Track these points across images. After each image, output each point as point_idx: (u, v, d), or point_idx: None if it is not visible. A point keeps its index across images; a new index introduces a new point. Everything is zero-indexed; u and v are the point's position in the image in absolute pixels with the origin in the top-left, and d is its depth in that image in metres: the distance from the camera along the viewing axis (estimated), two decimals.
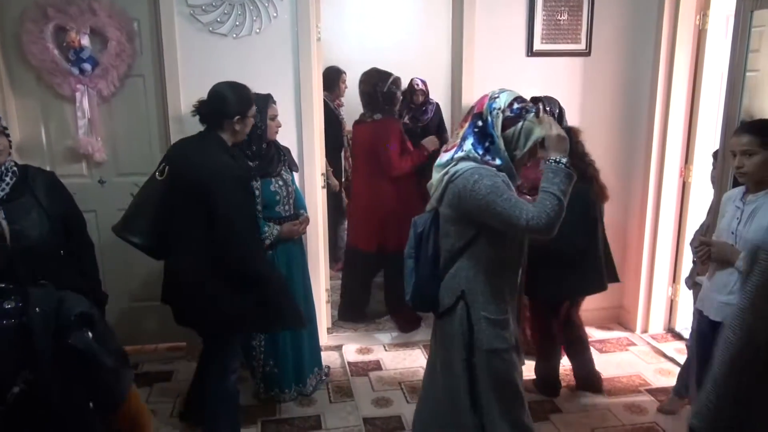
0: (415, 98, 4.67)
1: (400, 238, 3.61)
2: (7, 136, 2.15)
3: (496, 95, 1.92)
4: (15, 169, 2.16)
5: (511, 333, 2.00)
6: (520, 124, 1.89)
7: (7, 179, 2.10)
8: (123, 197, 3.41)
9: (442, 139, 4.69)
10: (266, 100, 2.81)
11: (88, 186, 3.34)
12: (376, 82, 3.71)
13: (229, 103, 2.39)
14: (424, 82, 4.67)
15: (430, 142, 3.87)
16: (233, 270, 2.32)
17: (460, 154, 1.92)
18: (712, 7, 3.39)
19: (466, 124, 1.96)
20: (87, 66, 3.19)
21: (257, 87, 2.94)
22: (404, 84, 4.17)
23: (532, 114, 1.89)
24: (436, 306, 2.05)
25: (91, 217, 3.03)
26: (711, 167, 2.93)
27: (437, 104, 4.78)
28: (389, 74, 3.76)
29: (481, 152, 1.89)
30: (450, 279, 2.00)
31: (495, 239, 1.92)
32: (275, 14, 3.25)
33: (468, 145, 1.91)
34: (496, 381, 1.98)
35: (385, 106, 3.75)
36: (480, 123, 1.92)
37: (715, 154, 2.89)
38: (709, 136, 3.52)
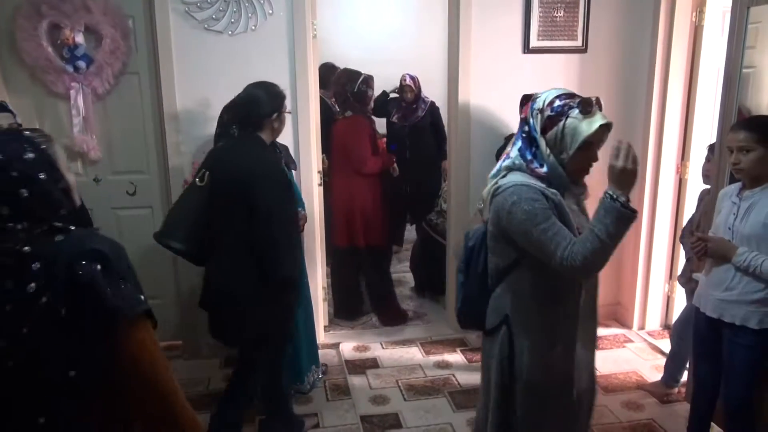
0: (405, 95, 4.63)
1: (369, 235, 3.88)
2: None
3: (539, 95, 1.75)
4: None
5: (565, 371, 1.79)
6: (561, 122, 1.68)
7: None
8: (118, 195, 3.42)
9: (439, 141, 4.68)
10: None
11: (83, 184, 3.31)
12: (345, 83, 3.80)
13: (264, 103, 2.40)
14: (413, 78, 4.61)
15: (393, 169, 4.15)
16: (270, 271, 2.30)
17: (507, 162, 1.77)
18: (708, 4, 3.39)
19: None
20: (81, 63, 3.17)
21: None
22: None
23: (577, 110, 1.66)
24: (482, 324, 1.90)
25: None
26: (704, 160, 2.93)
27: (432, 103, 4.73)
28: (359, 74, 3.81)
29: (529, 158, 1.73)
30: (496, 299, 1.84)
31: (537, 266, 1.72)
32: (271, 11, 3.24)
33: (515, 151, 1.76)
34: (529, 417, 1.81)
35: (356, 105, 3.80)
36: (526, 127, 1.76)
37: (711, 147, 2.89)
38: (706, 133, 3.52)
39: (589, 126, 1.65)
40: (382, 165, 3.88)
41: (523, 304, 1.78)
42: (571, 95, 1.72)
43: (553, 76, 3.58)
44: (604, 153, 1.74)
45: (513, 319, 1.79)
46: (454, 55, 3.55)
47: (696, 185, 3.56)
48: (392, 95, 4.80)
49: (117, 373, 1.20)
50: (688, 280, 2.86)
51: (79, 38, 3.15)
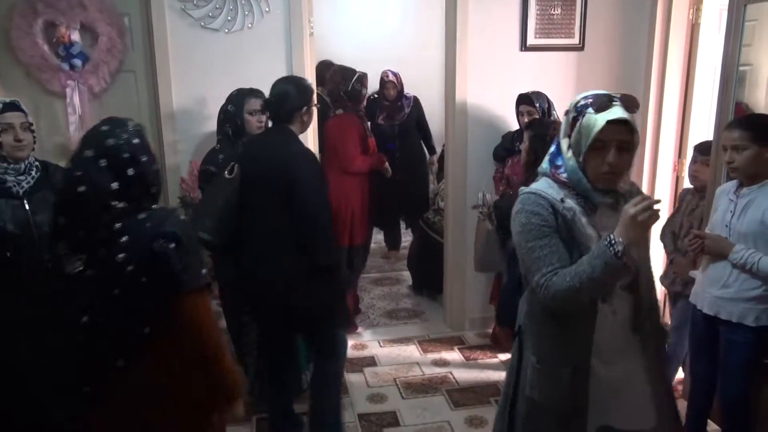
0: (387, 93, 4.49)
1: (352, 234, 3.77)
2: (33, 132, 2.23)
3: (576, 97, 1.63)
4: (38, 164, 2.26)
5: (575, 396, 1.62)
6: (579, 122, 1.56)
7: (33, 173, 2.20)
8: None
9: (426, 138, 4.64)
10: (243, 96, 2.84)
11: None
12: (339, 81, 3.74)
13: (294, 97, 2.46)
14: (396, 75, 4.51)
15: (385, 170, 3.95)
16: (313, 258, 2.37)
17: (540, 167, 1.68)
18: (704, 1, 3.39)
19: None
20: (77, 62, 3.16)
21: (249, 82, 2.94)
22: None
23: (592, 108, 1.54)
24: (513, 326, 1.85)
25: None
26: (691, 161, 2.89)
27: (415, 98, 4.65)
28: (353, 73, 3.76)
29: (558, 163, 1.62)
30: (521, 304, 1.78)
31: None
32: (267, 9, 3.23)
33: (547, 156, 1.67)
34: None
35: (349, 104, 3.75)
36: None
37: (697, 147, 2.88)
38: (703, 131, 3.52)
39: (598, 122, 1.52)
40: (370, 165, 3.80)
41: (536, 315, 1.69)
42: (601, 95, 1.58)
43: (550, 74, 3.59)
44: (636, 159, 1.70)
45: (525, 329, 1.73)
46: (451, 53, 3.55)
47: None
48: (373, 95, 4.65)
49: (177, 329, 1.49)
50: (672, 282, 2.85)
51: (75, 36, 3.14)
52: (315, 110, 2.61)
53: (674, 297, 2.91)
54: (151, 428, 1.52)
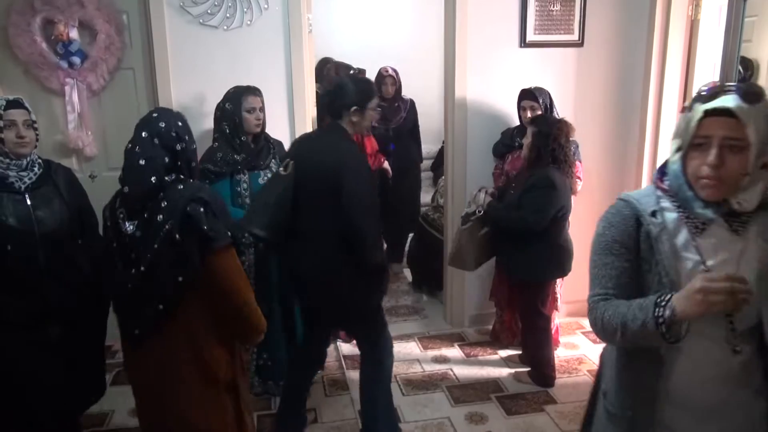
0: (385, 89, 4.25)
1: None
2: (35, 129, 2.26)
3: None
4: (40, 161, 2.30)
5: None
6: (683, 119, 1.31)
7: (35, 169, 2.25)
8: (114, 192, 3.39)
9: (418, 143, 4.47)
10: (241, 93, 2.82)
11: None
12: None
13: (347, 94, 2.42)
14: (395, 71, 4.31)
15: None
16: (359, 258, 2.39)
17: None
18: None
19: None
20: (76, 59, 3.15)
21: (248, 80, 2.94)
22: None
23: (700, 98, 1.28)
24: None
25: None
26: None
27: (411, 101, 4.46)
28: (349, 69, 3.74)
29: (666, 169, 1.38)
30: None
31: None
32: (266, 6, 3.22)
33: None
34: None
35: None
36: None
37: None
38: None
39: (696, 113, 1.26)
40: None
41: (609, 345, 1.48)
42: (717, 83, 1.32)
43: (549, 71, 3.58)
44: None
45: (605, 350, 1.54)
46: (451, 50, 3.54)
47: None
48: None
49: (207, 280, 1.74)
50: None
51: (73, 34, 3.14)
52: (370, 115, 2.53)
53: None
54: (185, 363, 1.82)
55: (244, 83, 2.89)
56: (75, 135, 3.23)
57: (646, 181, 3.70)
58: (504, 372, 3.34)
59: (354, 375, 3.30)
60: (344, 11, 5.84)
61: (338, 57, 4.76)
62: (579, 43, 3.61)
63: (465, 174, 3.65)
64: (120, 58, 3.23)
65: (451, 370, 3.37)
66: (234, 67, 3.22)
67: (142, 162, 1.78)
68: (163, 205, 1.74)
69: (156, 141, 1.80)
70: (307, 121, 3.41)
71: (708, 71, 3.47)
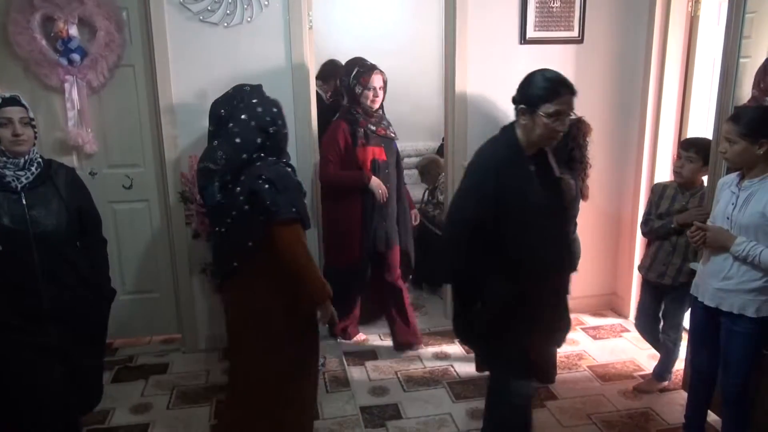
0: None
1: (338, 254, 3.37)
2: (34, 127, 2.23)
3: None
4: (40, 160, 2.26)
5: None
6: None
7: (33, 168, 2.21)
8: (114, 189, 3.40)
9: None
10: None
11: None
12: (343, 75, 3.31)
13: (527, 87, 2.06)
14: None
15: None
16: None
17: None
18: None
19: None
20: (75, 56, 3.14)
21: (249, 77, 2.92)
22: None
23: None
24: None
25: None
26: (675, 157, 2.90)
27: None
28: (353, 67, 3.29)
29: None
30: None
31: None
32: (266, 2, 3.21)
33: None
34: None
35: (344, 100, 3.36)
36: None
37: (681, 143, 2.88)
38: (702, 123, 3.53)
39: None
40: (341, 180, 3.23)
41: None
42: None
43: (549, 67, 3.56)
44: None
45: None
46: (451, 46, 3.54)
47: None
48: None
49: (273, 248, 2.05)
50: (661, 275, 2.88)
51: (73, 31, 3.12)
52: (543, 123, 2.02)
53: (663, 289, 2.92)
54: (247, 311, 2.19)
55: (245, 81, 2.88)
56: (75, 132, 3.22)
57: (645, 177, 3.71)
58: None
59: (355, 372, 3.32)
60: (343, 7, 5.82)
61: (337, 53, 4.75)
62: (579, 40, 3.62)
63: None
64: (120, 55, 3.21)
65: (452, 366, 3.38)
66: (234, 64, 3.21)
67: (237, 140, 2.09)
68: (242, 179, 2.09)
69: (252, 123, 2.11)
70: (311, 119, 3.40)
71: (707, 68, 3.48)
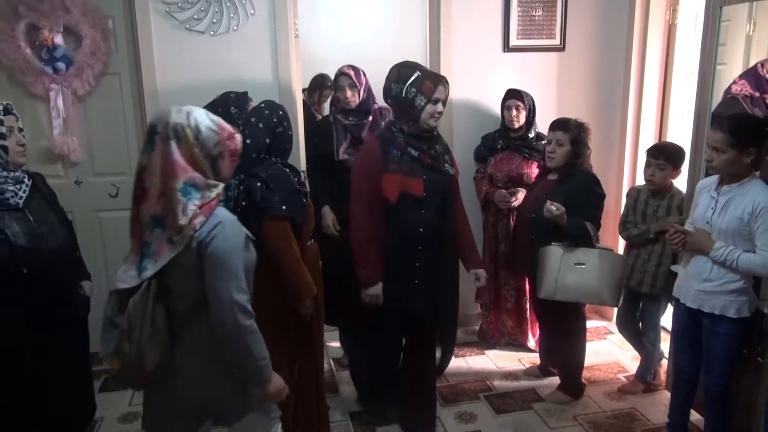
0: (341, 94, 3.01)
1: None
2: (22, 137, 2.15)
3: None
4: (26, 173, 2.18)
5: None
6: None
7: (26, 181, 2.13)
8: (100, 197, 3.39)
9: None
10: (245, 100, 2.81)
11: (64, 186, 3.27)
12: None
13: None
14: (357, 70, 3.11)
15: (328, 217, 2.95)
16: None
17: None
18: (681, 3, 3.49)
19: None
20: (61, 65, 3.13)
21: (236, 85, 2.96)
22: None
23: None
24: None
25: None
26: (645, 165, 2.93)
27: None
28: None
29: None
30: None
31: None
32: (252, 11, 3.23)
33: None
34: None
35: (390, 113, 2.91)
36: None
37: (649, 151, 2.93)
38: (680, 129, 3.61)
39: None
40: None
41: None
42: None
43: (532, 74, 3.65)
44: None
45: None
46: (435, 54, 3.59)
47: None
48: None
49: (263, 242, 2.07)
50: (639, 283, 2.95)
51: (58, 39, 3.11)
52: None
53: (641, 294, 2.99)
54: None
55: (231, 89, 2.90)
56: (60, 141, 3.21)
57: (626, 182, 3.78)
58: (492, 371, 3.39)
59: (344, 376, 3.32)
60: (326, 15, 5.84)
61: (321, 63, 4.77)
62: (560, 48, 3.69)
63: None
64: (106, 64, 3.21)
65: None
66: (221, 73, 3.22)
67: (247, 141, 2.18)
68: (241, 177, 2.20)
69: (261, 125, 2.24)
70: (298, 129, 3.41)
71: (685, 74, 3.56)
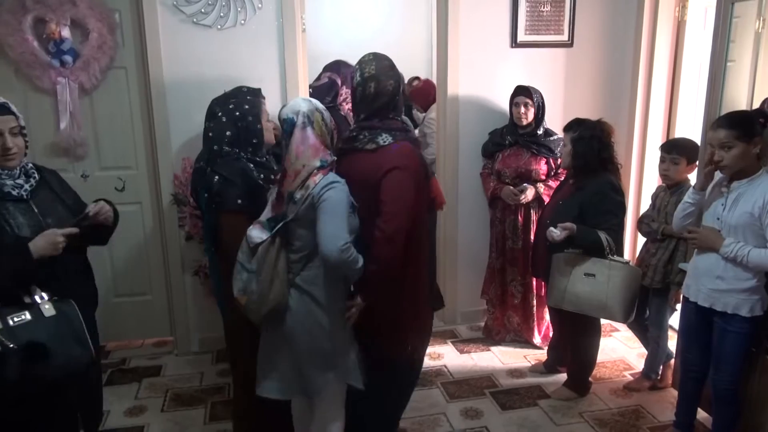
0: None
1: None
2: (24, 136, 2.08)
3: None
4: (34, 169, 2.13)
5: None
6: None
7: (35, 174, 2.09)
8: (107, 191, 3.38)
9: None
10: (258, 96, 2.77)
11: (70, 180, 3.11)
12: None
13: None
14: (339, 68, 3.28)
15: None
16: None
17: None
18: None
19: None
20: (68, 58, 3.13)
21: (242, 80, 2.92)
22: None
23: None
24: None
25: None
26: (659, 161, 2.92)
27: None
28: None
29: None
30: None
31: None
32: (260, 5, 3.22)
33: None
34: None
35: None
36: None
37: (663, 147, 2.92)
38: (689, 126, 3.60)
39: None
40: None
41: None
42: None
43: (540, 70, 3.63)
44: None
45: None
46: (443, 50, 3.57)
47: None
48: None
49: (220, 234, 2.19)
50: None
51: (65, 32, 3.11)
52: None
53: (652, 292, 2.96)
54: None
55: (238, 83, 2.88)
56: (67, 134, 3.21)
57: (634, 179, 3.76)
58: (498, 367, 3.38)
59: None
60: (332, 10, 5.83)
61: (326, 58, 4.75)
62: (569, 44, 3.67)
63: (457, 174, 3.68)
64: (112, 57, 3.20)
65: (445, 366, 3.40)
66: (228, 67, 3.22)
67: (210, 134, 2.21)
68: (209, 172, 2.20)
69: (224, 118, 2.21)
70: None
71: (694, 71, 3.54)
